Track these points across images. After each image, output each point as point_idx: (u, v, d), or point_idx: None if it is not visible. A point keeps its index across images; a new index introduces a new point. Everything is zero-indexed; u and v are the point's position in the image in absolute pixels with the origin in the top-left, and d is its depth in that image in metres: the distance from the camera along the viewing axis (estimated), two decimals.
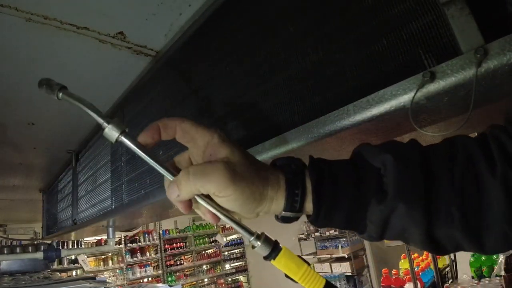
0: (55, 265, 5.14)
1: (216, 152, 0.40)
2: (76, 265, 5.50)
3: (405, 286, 3.29)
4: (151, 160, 0.42)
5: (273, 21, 0.72)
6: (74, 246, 5.58)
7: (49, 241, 2.61)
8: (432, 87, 0.43)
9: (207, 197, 0.40)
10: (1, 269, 1.92)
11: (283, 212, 0.41)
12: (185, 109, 0.96)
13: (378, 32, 0.52)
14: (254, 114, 0.73)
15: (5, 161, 2.10)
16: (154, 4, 0.89)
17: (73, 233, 2.23)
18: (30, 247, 1.99)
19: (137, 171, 1.17)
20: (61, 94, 0.46)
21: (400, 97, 0.46)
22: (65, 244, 5.41)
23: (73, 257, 5.50)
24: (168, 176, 0.41)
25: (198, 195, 0.40)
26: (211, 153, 0.40)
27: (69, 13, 0.89)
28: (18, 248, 1.97)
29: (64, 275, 5.09)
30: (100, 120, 0.42)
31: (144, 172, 1.12)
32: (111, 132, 0.43)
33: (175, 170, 0.41)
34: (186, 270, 6.79)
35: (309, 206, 0.41)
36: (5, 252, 1.91)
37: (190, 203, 0.42)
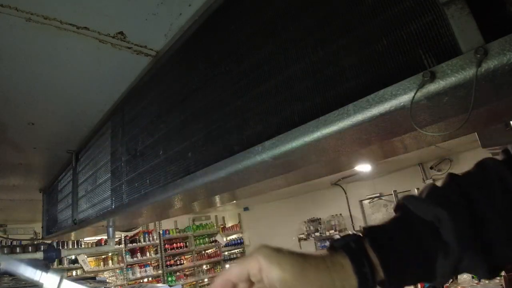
0: (55, 265, 5.14)
1: (269, 274, 0.40)
2: (76, 265, 5.49)
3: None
4: None
5: (273, 21, 0.72)
6: (74, 246, 5.58)
7: (49, 241, 2.61)
8: (432, 87, 0.43)
9: None
10: (1, 269, 1.92)
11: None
12: (184, 109, 0.96)
13: (378, 32, 0.52)
14: (254, 114, 0.73)
15: (5, 161, 2.10)
16: (154, 4, 0.89)
17: (73, 233, 2.23)
18: (30, 247, 1.99)
19: (137, 171, 1.17)
20: None
21: (400, 97, 0.46)
22: (65, 244, 5.41)
23: (73, 257, 5.50)
24: None
25: None
26: (267, 276, 0.40)
27: (69, 13, 0.89)
28: (18, 248, 1.97)
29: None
30: None
31: (144, 172, 1.12)
32: None
33: None
34: (186, 270, 6.78)
35: (380, 278, 0.42)
36: (5, 252, 1.91)
37: None
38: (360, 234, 0.44)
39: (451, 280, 3.00)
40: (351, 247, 0.42)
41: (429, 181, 4.41)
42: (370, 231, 0.44)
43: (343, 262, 0.41)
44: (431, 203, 0.43)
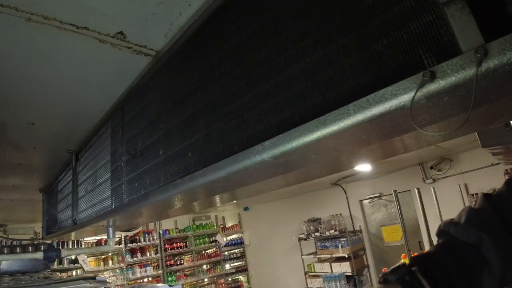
0: (55, 265, 5.14)
1: None
2: (76, 265, 5.50)
3: None
4: None
5: (273, 21, 0.71)
6: (74, 246, 5.58)
7: (49, 241, 2.61)
8: (432, 87, 0.43)
9: None
10: (1, 269, 1.92)
11: None
12: (184, 109, 0.96)
13: (378, 31, 0.52)
14: (254, 114, 0.73)
15: (5, 161, 2.10)
16: (154, 4, 0.89)
17: (73, 233, 2.23)
18: (30, 247, 1.99)
19: (137, 171, 1.17)
20: None
21: (400, 97, 0.46)
22: (65, 244, 5.41)
23: (73, 257, 5.50)
24: None
25: None
26: None
27: (69, 13, 0.89)
28: (18, 248, 1.97)
29: (64, 275, 5.09)
30: None
31: (144, 172, 1.12)
32: None
33: None
34: (186, 270, 6.78)
35: None
36: (5, 252, 1.91)
37: None
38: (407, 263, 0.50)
39: None
40: (406, 279, 0.47)
41: (429, 181, 4.42)
42: (419, 260, 0.50)
43: None
44: (472, 226, 0.48)
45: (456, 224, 0.50)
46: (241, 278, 7.52)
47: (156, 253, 6.55)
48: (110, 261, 6.00)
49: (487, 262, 0.45)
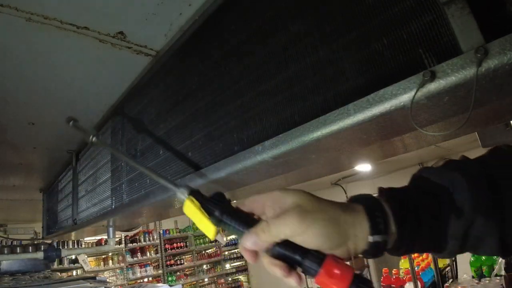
0: (55, 265, 5.14)
1: (283, 203, 0.43)
2: (76, 265, 5.50)
3: (405, 286, 3.28)
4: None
5: (273, 21, 0.71)
6: (75, 246, 5.58)
7: (49, 241, 2.61)
8: (433, 87, 0.43)
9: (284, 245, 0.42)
10: (1, 269, 1.92)
11: (370, 236, 0.41)
12: (184, 109, 0.96)
13: (378, 31, 0.52)
14: (254, 113, 0.73)
15: (5, 161, 2.10)
16: (154, 4, 0.89)
17: (73, 233, 2.23)
18: (30, 247, 1.99)
19: (137, 170, 1.17)
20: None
21: (400, 97, 0.46)
22: (65, 244, 5.41)
23: (73, 257, 5.50)
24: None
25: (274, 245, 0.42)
26: (280, 206, 0.43)
27: (69, 13, 0.89)
28: (18, 248, 1.97)
29: (64, 275, 5.09)
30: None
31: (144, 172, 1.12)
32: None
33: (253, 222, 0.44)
34: (186, 270, 6.79)
35: (392, 231, 0.42)
36: (6, 252, 1.91)
37: (256, 254, 0.45)
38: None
39: (451, 280, 3.00)
40: (367, 197, 0.45)
41: None
42: (386, 189, 0.46)
43: (358, 208, 0.43)
44: (447, 169, 0.45)
45: (431, 168, 0.46)
46: (241, 278, 7.52)
47: (156, 253, 6.55)
48: (110, 261, 6.00)
49: (458, 207, 0.42)
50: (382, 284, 3.45)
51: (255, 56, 0.74)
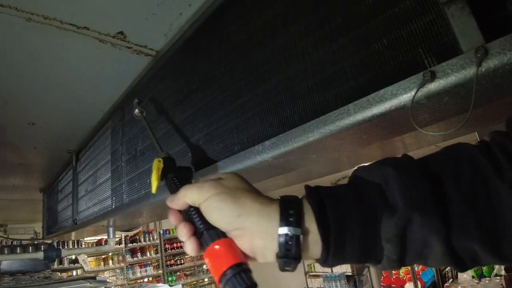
0: (55, 265, 5.14)
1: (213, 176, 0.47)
2: (76, 265, 5.50)
3: (405, 286, 3.29)
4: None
5: (273, 20, 0.71)
6: (75, 246, 5.58)
7: (49, 241, 2.61)
8: (433, 87, 0.43)
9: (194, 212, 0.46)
10: (1, 269, 1.92)
11: (280, 228, 0.38)
12: (185, 109, 0.96)
13: (378, 31, 0.52)
14: (254, 113, 0.73)
15: (5, 161, 2.10)
16: (154, 4, 0.89)
17: (73, 233, 2.23)
18: (30, 247, 1.99)
19: (137, 171, 1.17)
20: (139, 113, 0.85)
21: (400, 97, 0.46)
22: (66, 244, 5.41)
23: (73, 257, 5.50)
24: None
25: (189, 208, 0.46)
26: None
27: (69, 13, 0.89)
28: (18, 248, 1.97)
29: (64, 275, 5.09)
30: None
31: (144, 172, 1.12)
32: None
33: None
34: (186, 270, 6.78)
35: (308, 229, 0.38)
36: (6, 252, 1.92)
37: (178, 216, 0.48)
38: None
39: (451, 279, 2.99)
40: (292, 196, 0.41)
41: None
42: (309, 187, 0.41)
43: (274, 201, 0.41)
44: (379, 165, 0.40)
45: (366, 165, 0.42)
46: None
47: (156, 253, 6.55)
48: (110, 261, 6.00)
49: (389, 204, 0.36)
50: (382, 284, 3.45)
51: (255, 56, 0.75)
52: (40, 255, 1.94)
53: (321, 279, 4.98)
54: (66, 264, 5.52)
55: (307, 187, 0.41)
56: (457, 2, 0.43)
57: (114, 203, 1.35)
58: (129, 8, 0.90)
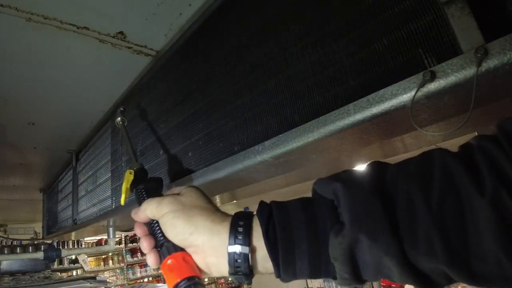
0: (55, 265, 5.14)
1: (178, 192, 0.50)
2: (76, 265, 5.50)
3: (405, 286, 3.29)
4: None
5: (274, 21, 0.72)
6: (75, 246, 5.58)
7: (49, 241, 2.61)
8: (433, 87, 0.43)
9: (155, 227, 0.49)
10: (1, 269, 1.92)
11: (229, 246, 0.39)
12: (184, 109, 0.96)
13: (378, 31, 0.52)
14: (254, 113, 0.73)
15: (5, 161, 2.10)
16: (154, 4, 0.89)
17: (73, 233, 2.23)
18: (30, 247, 1.99)
19: None
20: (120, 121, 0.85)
21: (400, 97, 0.46)
22: (66, 244, 5.41)
23: (73, 257, 5.50)
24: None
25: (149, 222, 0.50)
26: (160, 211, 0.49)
27: (69, 13, 0.89)
28: (18, 248, 1.97)
29: (64, 275, 5.09)
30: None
31: None
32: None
33: None
34: None
35: (256, 246, 0.38)
36: (6, 252, 1.92)
37: (143, 229, 0.51)
38: None
39: None
40: (246, 212, 0.42)
41: None
42: (262, 203, 0.42)
43: (227, 219, 0.42)
44: (332, 180, 0.37)
45: (322, 179, 0.39)
46: None
47: None
48: (110, 261, 6.00)
49: (340, 222, 0.34)
50: (382, 284, 3.45)
51: (255, 56, 0.75)
52: (40, 255, 1.94)
53: (321, 279, 4.98)
54: (66, 264, 5.52)
55: (260, 203, 0.42)
56: (457, 2, 0.43)
57: (114, 203, 1.35)
58: (129, 8, 0.90)
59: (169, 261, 0.43)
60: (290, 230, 0.36)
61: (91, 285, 1.64)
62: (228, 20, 0.84)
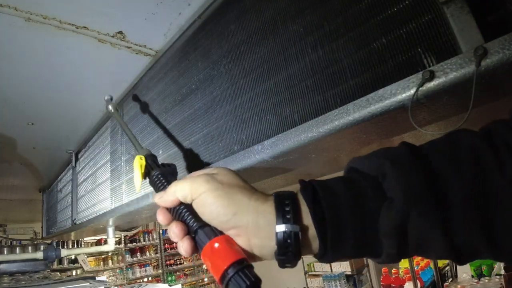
0: (55, 265, 5.14)
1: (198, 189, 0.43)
2: (76, 265, 5.50)
3: (405, 285, 3.29)
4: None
5: (273, 20, 0.71)
6: (74, 246, 5.57)
7: (49, 241, 2.61)
8: (432, 86, 0.44)
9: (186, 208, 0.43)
10: (1, 269, 1.91)
11: (277, 226, 0.37)
12: (184, 109, 0.96)
13: (377, 31, 0.52)
14: (254, 113, 0.73)
15: (5, 161, 2.10)
16: (153, 4, 0.89)
17: (73, 233, 2.22)
18: (30, 247, 1.99)
19: None
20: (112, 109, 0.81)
21: (399, 96, 0.46)
22: (65, 244, 5.41)
23: (73, 257, 5.50)
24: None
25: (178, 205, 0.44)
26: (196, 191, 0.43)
27: (68, 13, 0.89)
28: (18, 248, 1.97)
29: (64, 275, 5.09)
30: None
31: None
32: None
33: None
34: (186, 270, 6.78)
35: (305, 224, 0.37)
36: (5, 252, 1.91)
37: (168, 216, 0.45)
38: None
39: (451, 279, 3.00)
40: (285, 191, 0.40)
41: None
42: (303, 181, 0.40)
43: (269, 197, 0.40)
44: (376, 156, 0.38)
45: (361, 156, 0.40)
46: None
47: (156, 252, 6.54)
48: (110, 261, 6.00)
49: (387, 197, 0.35)
50: (382, 283, 3.45)
51: (255, 56, 0.75)
52: (39, 255, 1.94)
53: (320, 279, 4.98)
54: (65, 264, 5.51)
55: (301, 182, 0.40)
56: (456, 1, 0.43)
57: (113, 203, 1.35)
58: (129, 7, 0.89)
59: (213, 245, 0.38)
60: (338, 209, 0.36)
61: (91, 285, 1.63)
62: (227, 20, 0.84)
